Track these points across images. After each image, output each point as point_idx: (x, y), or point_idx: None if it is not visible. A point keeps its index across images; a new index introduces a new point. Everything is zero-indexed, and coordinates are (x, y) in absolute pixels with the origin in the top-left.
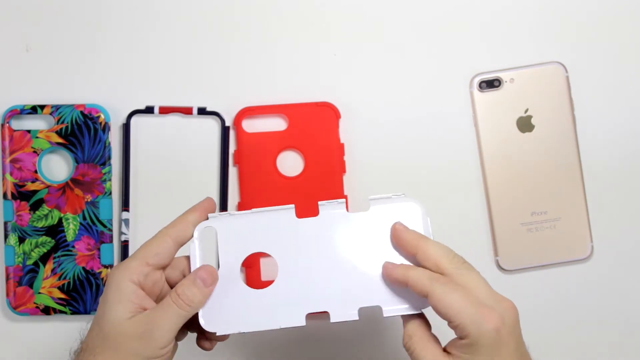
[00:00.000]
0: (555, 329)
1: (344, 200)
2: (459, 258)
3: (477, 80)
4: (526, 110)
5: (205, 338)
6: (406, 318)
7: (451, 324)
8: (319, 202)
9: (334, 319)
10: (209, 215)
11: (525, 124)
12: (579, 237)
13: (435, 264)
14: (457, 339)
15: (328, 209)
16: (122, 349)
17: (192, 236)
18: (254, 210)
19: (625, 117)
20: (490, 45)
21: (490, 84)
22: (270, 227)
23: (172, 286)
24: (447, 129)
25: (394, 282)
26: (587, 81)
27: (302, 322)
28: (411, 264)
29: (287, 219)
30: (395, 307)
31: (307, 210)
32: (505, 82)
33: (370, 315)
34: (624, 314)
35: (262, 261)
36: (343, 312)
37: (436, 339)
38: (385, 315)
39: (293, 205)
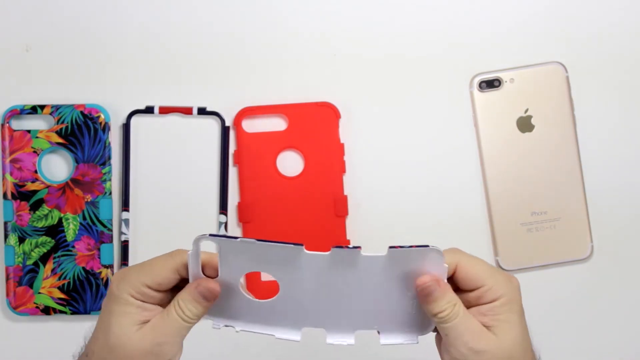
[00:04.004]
0: (555, 328)
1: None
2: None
3: (477, 80)
4: (526, 110)
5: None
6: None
7: (483, 289)
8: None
9: (330, 340)
10: (210, 234)
11: (525, 124)
12: (579, 237)
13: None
14: (483, 306)
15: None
16: None
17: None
18: (260, 240)
19: (625, 117)
20: (490, 45)
21: (490, 84)
22: (276, 257)
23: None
24: (447, 129)
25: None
26: (587, 81)
27: (297, 337)
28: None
29: (295, 253)
30: (393, 335)
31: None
32: (505, 82)
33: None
34: (624, 314)
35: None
36: (340, 335)
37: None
38: (382, 342)
39: (302, 245)
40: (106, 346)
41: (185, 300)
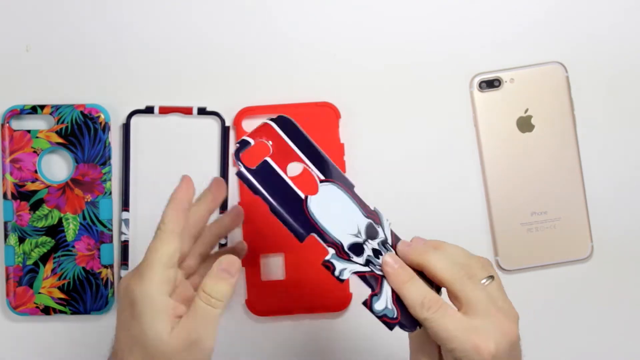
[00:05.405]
0: (555, 328)
1: None
2: (463, 269)
3: (477, 80)
4: (526, 110)
5: None
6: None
7: (444, 348)
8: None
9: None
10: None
11: (525, 124)
12: (579, 237)
13: (439, 282)
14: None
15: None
16: None
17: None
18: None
19: (625, 117)
20: (490, 45)
21: (490, 84)
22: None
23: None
24: (447, 129)
25: None
26: (587, 81)
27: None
28: (410, 277)
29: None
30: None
31: None
32: (505, 82)
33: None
34: (624, 314)
35: (263, 261)
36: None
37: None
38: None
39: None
40: (146, 355)
41: (210, 284)
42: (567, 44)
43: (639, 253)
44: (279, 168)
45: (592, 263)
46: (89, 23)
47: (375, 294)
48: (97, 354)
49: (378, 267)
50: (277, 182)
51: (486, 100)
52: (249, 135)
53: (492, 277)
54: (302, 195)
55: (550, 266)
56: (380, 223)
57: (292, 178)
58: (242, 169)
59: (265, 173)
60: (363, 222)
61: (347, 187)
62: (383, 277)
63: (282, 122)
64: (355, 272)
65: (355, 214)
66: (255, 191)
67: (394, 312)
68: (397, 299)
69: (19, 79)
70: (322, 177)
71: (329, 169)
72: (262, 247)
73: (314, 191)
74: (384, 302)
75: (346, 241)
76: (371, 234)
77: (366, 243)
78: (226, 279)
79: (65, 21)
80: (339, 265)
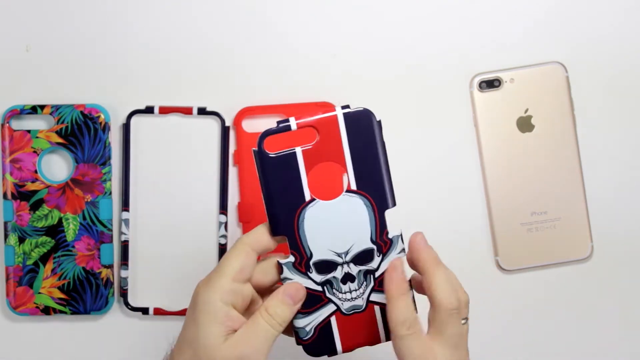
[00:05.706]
0: (555, 328)
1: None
2: (457, 306)
3: (477, 80)
4: (526, 110)
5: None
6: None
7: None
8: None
9: None
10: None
11: (525, 124)
12: (579, 237)
13: (432, 299)
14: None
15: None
16: None
17: (270, 246)
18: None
19: (625, 117)
20: (490, 45)
21: (490, 84)
22: None
23: (257, 288)
24: (447, 129)
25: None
26: (587, 81)
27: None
28: (407, 291)
29: None
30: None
31: None
32: (505, 82)
33: None
34: (624, 314)
35: None
36: None
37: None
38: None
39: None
40: (194, 359)
41: (274, 305)
42: (567, 44)
43: (639, 253)
44: (304, 163)
45: (592, 263)
46: (89, 23)
47: (305, 312)
48: (97, 353)
49: (337, 292)
50: (290, 175)
51: (486, 100)
52: (301, 118)
53: (467, 318)
54: (308, 198)
55: (550, 266)
56: (385, 253)
57: (314, 177)
58: (258, 149)
59: (284, 162)
60: (362, 246)
61: (378, 206)
62: (328, 302)
63: (356, 117)
64: None
65: (360, 235)
66: (259, 175)
67: (307, 334)
68: (325, 325)
69: (19, 79)
70: (354, 187)
71: (371, 180)
72: None
73: (331, 197)
74: (305, 322)
75: (319, 256)
76: (360, 261)
77: (344, 265)
78: (290, 305)
79: (65, 21)
80: (286, 272)
